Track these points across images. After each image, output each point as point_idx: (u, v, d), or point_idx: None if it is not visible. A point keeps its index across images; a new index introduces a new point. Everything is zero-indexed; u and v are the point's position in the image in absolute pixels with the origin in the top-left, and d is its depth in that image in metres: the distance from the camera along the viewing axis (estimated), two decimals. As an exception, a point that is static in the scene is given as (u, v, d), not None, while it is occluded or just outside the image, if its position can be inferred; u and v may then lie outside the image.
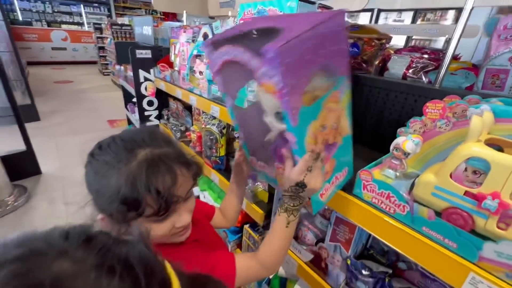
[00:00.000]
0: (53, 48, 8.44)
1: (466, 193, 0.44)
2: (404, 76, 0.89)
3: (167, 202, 0.43)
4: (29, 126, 2.48)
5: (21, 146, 2.39)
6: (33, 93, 4.14)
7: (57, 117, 4.26)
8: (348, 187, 0.61)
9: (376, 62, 0.97)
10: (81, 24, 9.41)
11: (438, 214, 0.48)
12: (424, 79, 0.84)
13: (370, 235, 0.74)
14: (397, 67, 0.89)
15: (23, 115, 2.52)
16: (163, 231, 0.47)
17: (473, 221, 0.44)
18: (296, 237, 0.85)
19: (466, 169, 0.45)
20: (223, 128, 1.12)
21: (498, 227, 0.42)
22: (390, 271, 0.64)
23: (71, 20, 9.27)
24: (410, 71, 0.87)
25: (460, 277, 0.44)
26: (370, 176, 0.56)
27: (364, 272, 0.64)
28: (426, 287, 0.62)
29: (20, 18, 8.31)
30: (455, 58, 0.91)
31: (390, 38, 1.00)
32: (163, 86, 1.54)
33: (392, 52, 0.99)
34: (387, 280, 0.62)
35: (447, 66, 0.69)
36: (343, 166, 0.59)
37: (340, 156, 0.55)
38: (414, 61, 0.87)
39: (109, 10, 9.56)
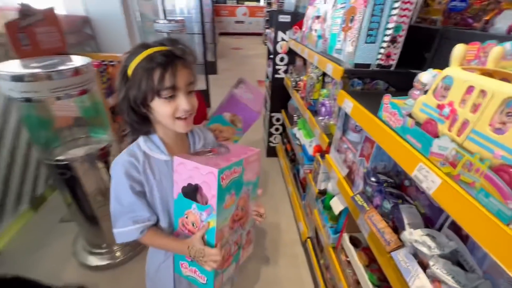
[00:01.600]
0: (235, 22, 10.70)
1: (438, 106, 0.57)
2: (510, 31, 0.82)
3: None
4: (210, 77, 3.70)
5: (203, 87, 3.65)
6: (217, 55, 5.75)
7: (228, 72, 5.72)
8: (375, 110, 0.80)
9: (486, 18, 0.91)
10: (259, 0, 11.17)
11: (419, 125, 0.63)
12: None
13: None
14: (503, 22, 0.83)
15: (208, 69, 3.77)
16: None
17: (437, 127, 0.58)
18: (339, 151, 1.09)
19: (442, 87, 0.57)
20: (320, 76, 1.41)
21: (449, 130, 0.54)
22: (390, 180, 0.78)
23: None
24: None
25: (413, 166, 0.60)
26: (389, 100, 0.74)
27: (372, 178, 0.83)
28: (416, 198, 0.74)
29: (221, -2, 10.89)
30: None
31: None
32: (292, 44, 1.95)
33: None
34: (384, 185, 0.79)
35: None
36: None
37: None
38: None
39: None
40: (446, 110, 0.55)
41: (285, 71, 2.26)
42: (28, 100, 1.08)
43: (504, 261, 0.40)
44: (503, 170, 0.41)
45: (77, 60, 1.25)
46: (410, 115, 0.66)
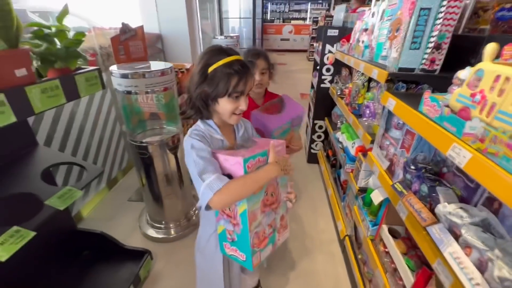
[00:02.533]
0: (281, 39, 11.20)
1: (471, 94, 0.68)
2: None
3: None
4: None
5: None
6: (263, 68, 6.06)
7: (272, 85, 6.00)
8: (415, 106, 0.91)
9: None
10: (305, 19, 11.58)
11: (455, 114, 0.72)
12: None
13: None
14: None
15: (256, 78, 4.06)
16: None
17: (469, 113, 0.67)
18: (381, 147, 1.18)
19: (475, 79, 0.68)
20: (365, 82, 1.53)
21: (480, 114, 0.64)
22: (429, 167, 0.86)
23: (298, 16, 11.68)
24: None
25: (448, 146, 0.70)
26: (429, 94, 0.84)
27: (412, 166, 0.92)
28: (453, 182, 0.81)
29: (268, 18, 11.58)
30: None
31: None
32: (339, 55, 2.10)
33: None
34: (423, 171, 0.87)
35: None
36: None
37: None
38: None
39: (329, 4, 10.97)
40: (478, 97, 0.65)
41: (331, 81, 2.39)
42: (129, 92, 1.41)
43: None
44: (519, 136, 0.51)
45: (161, 65, 1.58)
46: (447, 106, 0.76)
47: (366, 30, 1.62)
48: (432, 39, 1.06)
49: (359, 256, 1.47)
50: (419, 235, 0.83)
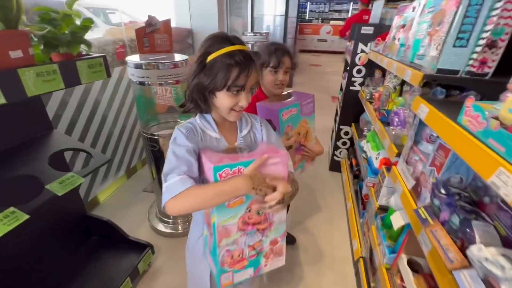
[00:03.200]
0: (318, 40, 10.83)
1: (531, 105, 0.50)
2: None
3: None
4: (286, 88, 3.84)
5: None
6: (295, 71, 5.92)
7: (303, 86, 5.83)
8: (453, 116, 0.73)
9: None
10: (345, 19, 11.07)
11: (505, 128, 0.54)
12: None
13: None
14: None
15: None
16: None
17: (527, 129, 0.50)
18: (408, 162, 1.00)
19: None
20: (398, 85, 1.33)
21: None
22: (465, 194, 0.68)
23: (338, 17, 11.21)
24: None
25: (491, 170, 0.53)
26: (472, 102, 0.66)
27: (442, 190, 0.74)
28: (496, 217, 0.61)
29: (307, 17, 11.29)
30: None
31: None
32: (372, 55, 1.89)
33: None
34: (456, 198, 0.68)
35: None
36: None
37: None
38: None
39: (372, 5, 10.35)
40: (541, 108, 0.47)
41: (361, 84, 2.18)
42: (141, 83, 1.39)
43: None
44: None
45: (178, 57, 1.54)
46: (495, 118, 0.58)
47: (403, 26, 1.42)
48: (484, 35, 0.85)
49: (372, 285, 1.28)
50: (443, 278, 0.66)
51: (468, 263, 0.61)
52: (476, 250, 0.57)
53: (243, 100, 0.73)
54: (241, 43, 0.73)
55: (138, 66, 1.35)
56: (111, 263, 1.51)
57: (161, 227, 1.86)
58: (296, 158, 1.18)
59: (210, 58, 0.70)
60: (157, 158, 1.63)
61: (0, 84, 0.71)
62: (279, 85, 1.18)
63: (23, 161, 1.12)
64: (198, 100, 0.77)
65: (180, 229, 1.86)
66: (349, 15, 10.86)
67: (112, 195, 2.23)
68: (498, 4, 0.81)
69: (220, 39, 0.71)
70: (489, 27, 0.84)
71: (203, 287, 0.95)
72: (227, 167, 0.62)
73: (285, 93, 1.22)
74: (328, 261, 1.68)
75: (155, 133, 1.55)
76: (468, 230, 0.64)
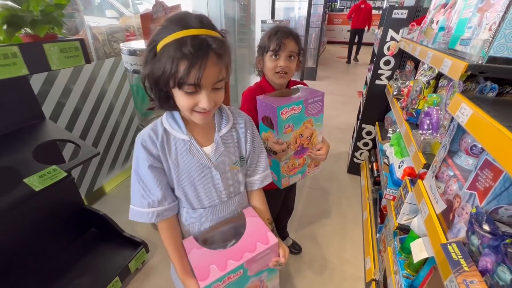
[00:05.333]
0: (348, 30, 10.17)
1: None
2: None
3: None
4: (307, 82, 3.61)
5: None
6: (319, 61, 5.60)
7: (327, 80, 5.50)
8: (509, 121, 0.51)
9: None
10: (380, 8, 10.26)
11: None
12: None
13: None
14: None
15: (306, 74, 3.69)
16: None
17: None
18: (439, 177, 0.77)
19: None
20: (432, 79, 1.08)
21: None
22: None
23: (373, 5, 10.39)
24: None
25: None
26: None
27: (485, 225, 0.53)
28: None
29: (337, 6, 10.63)
30: None
31: None
32: (402, 44, 1.61)
33: None
34: (507, 241, 0.47)
35: None
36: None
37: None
38: None
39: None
40: None
41: (389, 77, 1.90)
42: (135, 71, 1.28)
43: None
44: None
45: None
46: None
47: (445, 6, 1.15)
48: None
49: (384, 317, 1.08)
50: None
51: None
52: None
53: (203, 101, 0.57)
54: (202, 25, 0.54)
55: (132, 53, 1.24)
56: (104, 259, 1.46)
57: (160, 223, 1.79)
58: (297, 163, 1.01)
59: (159, 46, 0.55)
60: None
61: None
62: (281, 74, 0.99)
63: (6, 151, 1.07)
64: (151, 94, 0.62)
65: (180, 227, 1.78)
66: (385, 3, 10.01)
67: (119, 186, 2.21)
68: None
69: (175, 20, 0.55)
70: None
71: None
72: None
73: (294, 87, 1.04)
74: (336, 277, 1.49)
75: (152, 126, 1.45)
76: (523, 294, 0.43)
